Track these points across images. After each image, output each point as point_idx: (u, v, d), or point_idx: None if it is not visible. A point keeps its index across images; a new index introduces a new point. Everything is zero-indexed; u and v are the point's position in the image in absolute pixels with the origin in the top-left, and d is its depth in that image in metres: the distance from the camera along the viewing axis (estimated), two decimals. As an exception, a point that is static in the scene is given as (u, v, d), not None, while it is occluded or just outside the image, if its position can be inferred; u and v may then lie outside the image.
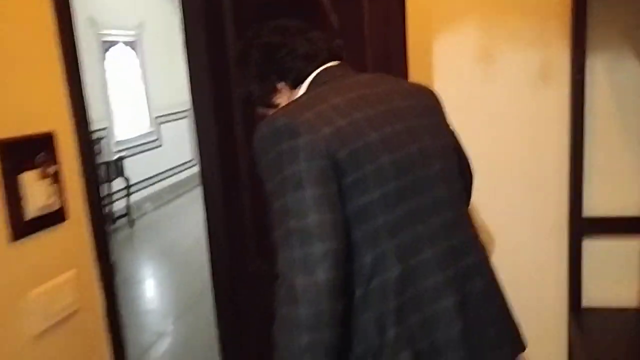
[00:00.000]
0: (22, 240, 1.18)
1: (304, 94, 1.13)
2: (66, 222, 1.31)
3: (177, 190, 6.95)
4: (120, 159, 5.77)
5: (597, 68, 1.81)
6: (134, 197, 5.99)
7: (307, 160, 0.93)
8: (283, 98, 1.17)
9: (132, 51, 6.41)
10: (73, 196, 1.34)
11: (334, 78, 1.12)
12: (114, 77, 5.95)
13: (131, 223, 5.83)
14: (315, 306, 0.89)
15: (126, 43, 6.27)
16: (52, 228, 1.27)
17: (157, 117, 6.85)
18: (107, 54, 5.89)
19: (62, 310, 1.29)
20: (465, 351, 1.02)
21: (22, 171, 1.18)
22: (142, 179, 6.34)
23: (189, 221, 5.49)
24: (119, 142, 6.02)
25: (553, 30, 1.80)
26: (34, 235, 1.21)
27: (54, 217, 1.27)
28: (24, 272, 1.20)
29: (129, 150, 6.18)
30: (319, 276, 0.89)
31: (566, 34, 1.80)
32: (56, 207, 1.27)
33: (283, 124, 0.96)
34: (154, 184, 6.66)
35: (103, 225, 1.43)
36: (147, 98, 6.68)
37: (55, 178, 1.27)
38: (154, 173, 6.67)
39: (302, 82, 1.14)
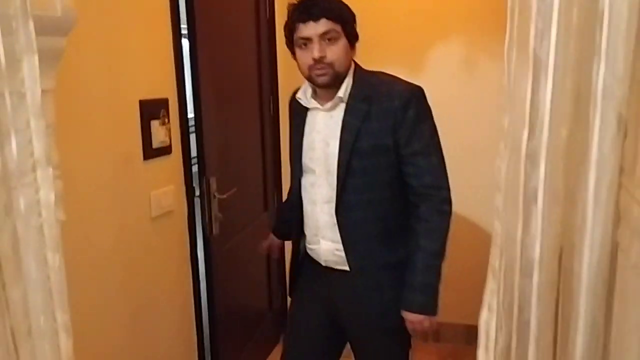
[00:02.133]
0: (149, 160, 1.99)
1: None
2: (171, 154, 2.11)
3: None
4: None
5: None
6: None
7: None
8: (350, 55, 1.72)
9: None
10: (175, 139, 2.14)
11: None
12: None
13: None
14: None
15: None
16: (164, 157, 2.07)
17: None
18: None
19: (165, 208, 2.09)
20: None
21: (151, 119, 1.98)
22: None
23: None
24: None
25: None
26: (155, 159, 2.02)
27: (165, 150, 2.07)
28: (149, 180, 2.00)
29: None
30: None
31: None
32: (167, 144, 2.08)
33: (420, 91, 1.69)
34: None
35: (189, 160, 2.23)
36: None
37: (168, 126, 2.07)
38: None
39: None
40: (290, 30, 1.67)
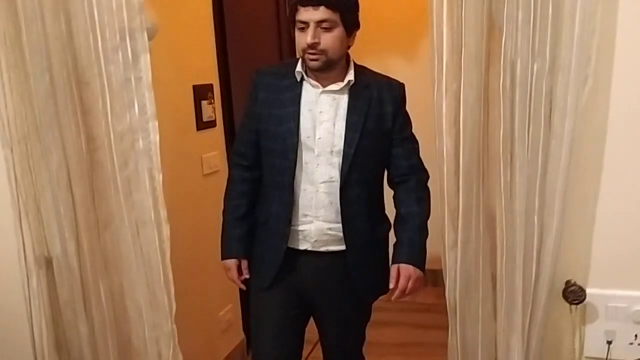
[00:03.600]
0: (200, 131, 2.62)
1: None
2: (215, 127, 2.74)
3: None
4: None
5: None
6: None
7: None
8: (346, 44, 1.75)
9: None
10: (218, 115, 2.77)
11: None
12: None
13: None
14: None
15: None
16: (210, 129, 2.70)
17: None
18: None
19: (212, 168, 2.72)
20: None
21: (201, 100, 2.61)
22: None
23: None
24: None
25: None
26: (205, 130, 2.65)
27: (212, 123, 2.71)
28: (200, 146, 2.64)
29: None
30: None
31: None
32: (213, 118, 2.71)
33: None
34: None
35: (231, 133, 2.86)
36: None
37: (213, 105, 2.70)
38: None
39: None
40: (292, 10, 1.71)
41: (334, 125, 1.75)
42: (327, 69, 1.73)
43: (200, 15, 2.63)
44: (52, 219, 1.59)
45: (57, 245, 1.60)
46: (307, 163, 1.77)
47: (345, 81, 1.76)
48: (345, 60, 1.78)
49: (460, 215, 1.33)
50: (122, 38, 1.47)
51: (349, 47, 1.77)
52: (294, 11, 1.69)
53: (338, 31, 1.68)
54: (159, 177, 1.58)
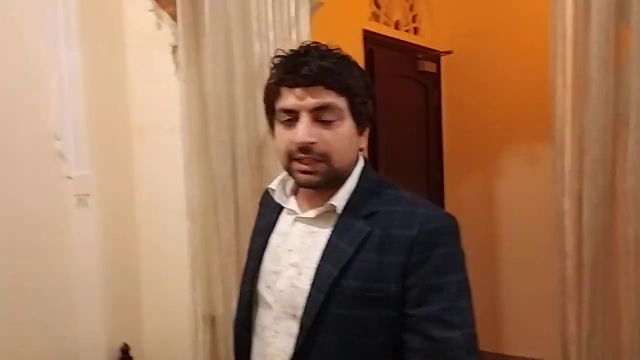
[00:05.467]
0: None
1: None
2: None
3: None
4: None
5: None
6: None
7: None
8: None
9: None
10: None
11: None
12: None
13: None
14: None
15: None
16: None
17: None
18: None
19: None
20: None
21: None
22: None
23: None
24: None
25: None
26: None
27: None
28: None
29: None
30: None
31: None
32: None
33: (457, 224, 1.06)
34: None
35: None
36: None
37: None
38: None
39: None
40: (270, 94, 1.11)
41: (301, 273, 1.11)
42: (327, 186, 1.10)
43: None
44: (218, 282, 1.89)
45: (220, 305, 1.89)
46: (263, 328, 1.16)
47: (326, 207, 1.10)
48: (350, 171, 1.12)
49: (585, 309, 1.37)
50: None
51: (360, 149, 1.14)
52: (275, 95, 1.10)
53: (347, 125, 1.08)
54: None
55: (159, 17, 2.02)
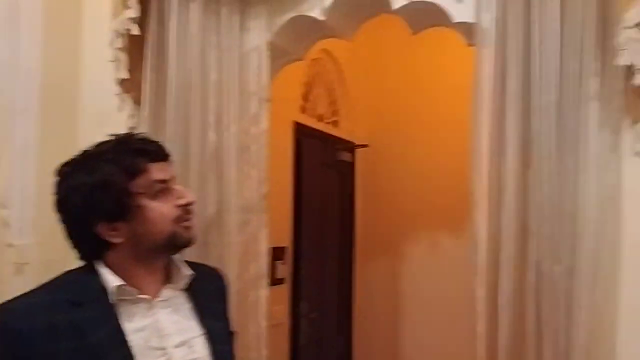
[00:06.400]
0: (273, 286, 3.03)
1: None
2: (284, 284, 3.15)
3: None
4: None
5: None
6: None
7: None
8: None
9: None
10: (288, 274, 3.18)
11: None
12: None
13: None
14: None
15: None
16: (280, 285, 3.10)
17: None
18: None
19: (277, 320, 3.08)
20: None
21: (276, 260, 3.05)
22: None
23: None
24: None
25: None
26: (276, 286, 3.05)
27: (282, 280, 3.12)
28: (270, 298, 3.03)
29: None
30: None
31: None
32: (284, 277, 3.12)
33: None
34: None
35: (296, 290, 3.25)
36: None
37: (285, 266, 3.13)
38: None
39: None
40: (133, 173, 1.13)
41: (192, 347, 1.17)
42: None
43: (283, 187, 3.18)
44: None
45: None
46: None
47: (184, 279, 1.21)
48: None
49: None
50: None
51: None
52: (139, 173, 1.13)
53: None
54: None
55: (122, 100, 2.16)
